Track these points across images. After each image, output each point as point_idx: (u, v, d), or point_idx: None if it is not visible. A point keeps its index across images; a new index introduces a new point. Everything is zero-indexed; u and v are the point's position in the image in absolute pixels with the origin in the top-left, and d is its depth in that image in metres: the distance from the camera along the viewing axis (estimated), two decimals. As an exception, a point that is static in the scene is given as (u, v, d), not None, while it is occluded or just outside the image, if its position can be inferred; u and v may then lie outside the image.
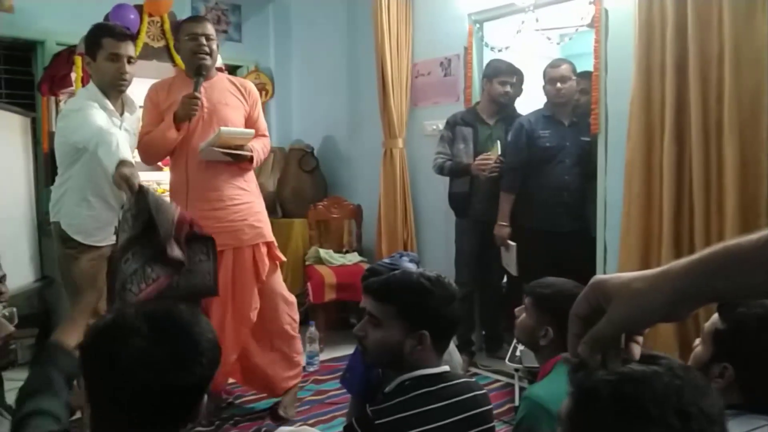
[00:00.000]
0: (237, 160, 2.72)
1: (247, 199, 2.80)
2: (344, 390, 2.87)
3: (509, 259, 3.32)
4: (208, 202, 2.68)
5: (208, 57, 2.67)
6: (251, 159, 2.76)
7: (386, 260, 2.23)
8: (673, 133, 2.79)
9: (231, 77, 2.94)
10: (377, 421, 1.42)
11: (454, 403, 1.50)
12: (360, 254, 4.41)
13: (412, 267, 2.15)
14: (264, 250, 2.82)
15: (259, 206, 2.87)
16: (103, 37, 2.50)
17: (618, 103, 3.05)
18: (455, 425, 1.48)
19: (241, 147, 2.70)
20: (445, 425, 1.45)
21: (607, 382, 0.72)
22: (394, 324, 1.49)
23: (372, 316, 1.52)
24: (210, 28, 2.71)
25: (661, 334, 2.84)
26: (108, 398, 0.99)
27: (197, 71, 2.64)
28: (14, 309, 1.63)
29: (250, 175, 2.86)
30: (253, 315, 2.81)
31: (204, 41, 2.66)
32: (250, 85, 2.93)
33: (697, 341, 1.42)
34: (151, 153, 2.76)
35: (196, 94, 2.59)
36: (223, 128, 2.64)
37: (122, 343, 0.97)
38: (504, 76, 3.48)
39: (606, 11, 3.11)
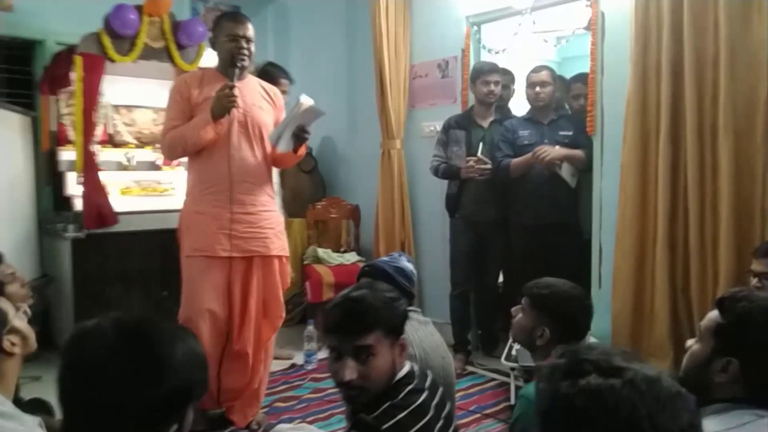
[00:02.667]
0: (300, 142, 2.64)
1: (273, 207, 2.78)
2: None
3: (566, 172, 3.30)
4: (242, 206, 2.61)
5: (247, 59, 2.60)
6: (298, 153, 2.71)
7: (385, 258, 2.26)
8: (668, 135, 2.82)
9: (259, 80, 2.88)
10: (384, 426, 1.43)
11: (430, 389, 1.57)
12: (358, 254, 4.43)
13: (410, 266, 2.18)
14: (285, 261, 2.79)
15: (281, 217, 2.84)
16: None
17: (614, 105, 3.08)
18: (436, 410, 1.53)
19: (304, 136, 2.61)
20: (433, 416, 1.51)
21: (564, 396, 0.77)
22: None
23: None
24: (251, 30, 2.62)
25: (656, 336, 2.88)
26: (68, 406, 0.95)
27: (232, 62, 2.56)
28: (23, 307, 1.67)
29: (272, 186, 2.81)
30: (278, 323, 2.80)
31: (244, 44, 2.58)
32: (277, 91, 2.86)
33: (690, 341, 1.44)
34: (178, 149, 2.63)
35: (232, 83, 2.48)
36: (301, 96, 2.52)
37: (86, 349, 0.94)
38: (485, 76, 3.51)
39: (603, 14, 3.14)
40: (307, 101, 2.52)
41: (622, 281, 3.00)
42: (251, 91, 2.69)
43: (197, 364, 0.99)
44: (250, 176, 2.63)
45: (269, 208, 2.74)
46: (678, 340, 2.74)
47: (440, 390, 1.60)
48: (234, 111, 2.55)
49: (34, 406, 1.93)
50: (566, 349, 0.85)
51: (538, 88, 3.36)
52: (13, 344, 1.51)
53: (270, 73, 3.72)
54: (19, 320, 1.57)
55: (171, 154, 2.74)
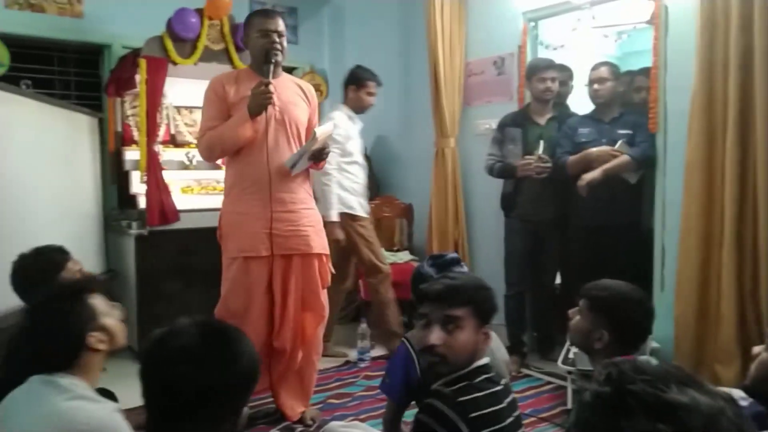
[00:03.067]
0: (320, 160, 2.72)
1: (312, 205, 2.78)
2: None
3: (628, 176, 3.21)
4: (283, 204, 2.62)
5: (280, 54, 2.58)
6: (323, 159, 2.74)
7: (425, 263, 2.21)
8: (736, 133, 2.70)
9: (294, 78, 2.90)
10: (459, 399, 1.51)
11: (504, 388, 1.63)
12: (411, 253, 4.43)
13: (429, 270, 2.12)
14: (325, 260, 2.79)
15: (319, 215, 2.84)
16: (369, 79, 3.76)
17: (678, 101, 2.97)
18: (508, 408, 1.60)
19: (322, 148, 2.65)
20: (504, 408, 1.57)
21: None
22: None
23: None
24: (281, 24, 2.60)
25: (722, 341, 2.76)
26: (157, 397, 1.10)
27: (267, 59, 2.54)
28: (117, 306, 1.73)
29: (310, 183, 2.83)
30: (321, 321, 2.82)
31: (276, 38, 2.56)
32: (312, 89, 2.86)
33: (758, 348, 1.38)
34: (217, 149, 2.64)
35: (267, 80, 2.48)
36: (317, 129, 2.58)
37: (172, 341, 1.11)
38: (542, 73, 3.44)
39: (666, 7, 3.04)
40: (323, 133, 2.58)
41: (686, 283, 2.89)
42: (286, 88, 2.67)
43: (256, 357, 1.17)
44: (289, 174, 2.63)
45: (309, 205, 2.74)
46: (745, 346, 2.62)
47: (512, 395, 1.66)
48: (270, 109, 2.55)
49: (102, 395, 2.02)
50: (612, 368, 0.73)
51: (596, 85, 3.29)
52: (99, 341, 1.57)
53: (357, 75, 3.83)
54: (110, 318, 1.64)
55: (210, 155, 2.73)
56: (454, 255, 2.22)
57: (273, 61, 2.54)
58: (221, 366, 1.09)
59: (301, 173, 2.70)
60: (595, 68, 3.34)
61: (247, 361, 1.13)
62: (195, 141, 4.36)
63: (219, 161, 4.26)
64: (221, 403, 1.09)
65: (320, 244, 2.74)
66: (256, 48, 2.61)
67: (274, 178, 2.58)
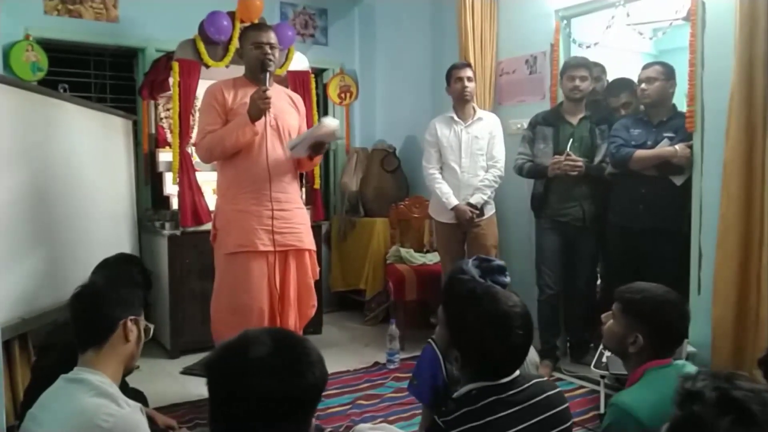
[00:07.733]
0: (316, 154, 2.85)
1: (302, 205, 2.98)
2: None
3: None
4: (279, 203, 2.81)
5: (272, 64, 2.78)
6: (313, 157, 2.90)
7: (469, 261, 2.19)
8: (777, 131, 2.62)
9: (283, 88, 3.11)
10: None
11: (526, 407, 1.49)
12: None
13: (473, 271, 2.12)
14: (313, 255, 2.98)
15: (307, 213, 3.05)
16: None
17: (716, 99, 2.89)
18: (530, 429, 1.47)
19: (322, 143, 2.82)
20: (519, 431, 1.45)
21: None
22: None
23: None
24: (274, 37, 2.81)
25: (761, 345, 2.68)
26: (231, 409, 1.06)
27: (263, 67, 2.74)
28: (152, 326, 1.79)
29: (299, 184, 3.03)
30: (311, 312, 2.98)
31: (269, 50, 2.77)
32: (299, 98, 3.07)
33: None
34: (217, 151, 2.77)
35: (266, 87, 2.67)
36: (324, 118, 2.77)
37: (248, 353, 1.07)
38: (571, 71, 3.39)
39: (703, 3, 2.96)
40: (329, 125, 2.72)
41: (724, 286, 2.81)
42: (278, 97, 2.85)
43: (325, 367, 1.13)
44: (284, 175, 2.84)
45: (300, 205, 2.94)
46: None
47: (553, 411, 1.52)
48: (266, 116, 2.74)
49: (132, 396, 2.06)
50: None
51: (643, 85, 3.15)
52: (131, 331, 1.64)
53: None
54: (149, 326, 1.74)
55: (209, 156, 2.85)
56: (500, 263, 2.15)
57: (268, 70, 2.73)
58: (295, 372, 1.07)
59: (293, 173, 2.90)
60: (645, 67, 3.20)
61: (316, 368, 1.10)
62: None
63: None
64: (293, 415, 1.07)
65: (310, 240, 2.93)
66: (251, 58, 2.80)
67: (273, 178, 2.78)
